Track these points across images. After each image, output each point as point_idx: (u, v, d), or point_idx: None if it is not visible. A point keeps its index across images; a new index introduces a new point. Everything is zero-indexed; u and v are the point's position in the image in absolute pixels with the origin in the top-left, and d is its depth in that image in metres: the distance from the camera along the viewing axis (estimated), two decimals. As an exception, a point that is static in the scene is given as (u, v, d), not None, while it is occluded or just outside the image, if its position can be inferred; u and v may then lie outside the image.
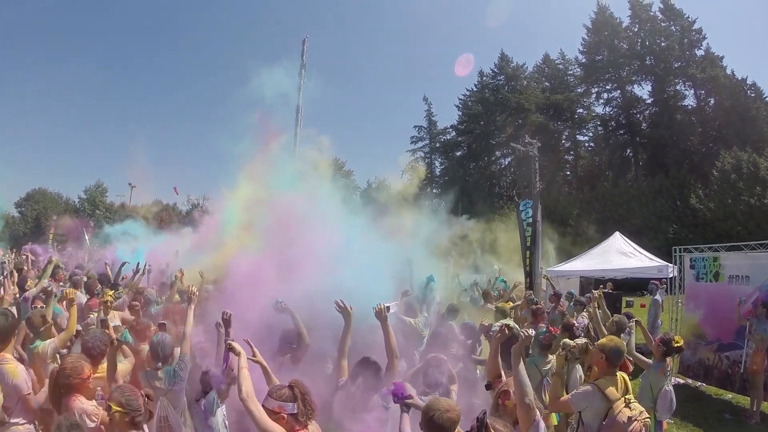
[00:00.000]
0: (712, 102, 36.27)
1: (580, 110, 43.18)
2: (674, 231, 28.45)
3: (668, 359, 4.95)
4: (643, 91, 40.07)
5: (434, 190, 45.35)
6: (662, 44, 37.57)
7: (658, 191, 32.18)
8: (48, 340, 4.32)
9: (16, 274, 7.78)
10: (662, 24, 38.35)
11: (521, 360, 2.95)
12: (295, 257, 5.02)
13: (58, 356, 4.30)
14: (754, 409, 7.18)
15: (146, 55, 76.21)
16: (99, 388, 3.33)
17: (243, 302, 4.46)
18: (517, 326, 5.36)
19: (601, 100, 42.15)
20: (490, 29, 75.82)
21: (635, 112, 40.15)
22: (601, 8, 41.22)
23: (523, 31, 71.64)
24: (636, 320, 5.76)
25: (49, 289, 5.48)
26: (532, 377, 3.68)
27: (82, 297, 6.43)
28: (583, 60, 42.36)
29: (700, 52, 36.87)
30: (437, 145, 50.23)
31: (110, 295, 5.64)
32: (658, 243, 23.71)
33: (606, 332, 5.28)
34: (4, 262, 9.58)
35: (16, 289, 6.96)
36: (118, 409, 2.62)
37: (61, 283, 7.60)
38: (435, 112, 50.80)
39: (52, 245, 21.84)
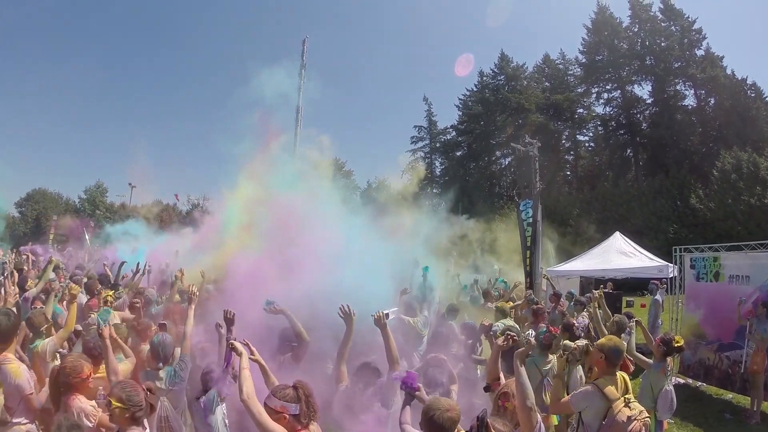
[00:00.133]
0: (712, 102, 36.28)
1: (581, 110, 43.19)
2: (674, 231, 28.45)
3: (669, 359, 4.96)
4: (643, 91, 40.17)
5: (434, 190, 45.37)
6: (662, 44, 37.58)
7: (658, 191, 32.19)
8: (47, 339, 4.32)
9: (16, 274, 7.79)
10: (662, 24, 38.35)
11: (523, 364, 2.96)
12: (295, 257, 5.02)
13: (58, 355, 4.30)
14: (755, 409, 7.17)
15: (146, 55, 76.27)
16: (101, 388, 3.33)
17: (243, 302, 4.46)
18: (520, 331, 5.37)
19: (601, 100, 42.23)
20: (490, 29, 75.85)
21: (635, 112, 40.16)
22: (601, 8, 41.24)
23: (523, 31, 71.75)
24: (636, 320, 5.76)
25: (54, 282, 5.47)
26: (532, 377, 3.70)
27: (82, 297, 6.43)
28: (583, 60, 42.37)
29: (700, 52, 36.90)
30: (437, 145, 50.23)
31: (110, 295, 5.65)
32: (659, 243, 23.71)
33: (606, 332, 5.28)
34: (5, 263, 9.56)
35: (17, 289, 6.96)
36: (118, 404, 2.61)
37: (60, 283, 7.60)
38: (435, 112, 50.93)
39: (52, 245, 21.83)
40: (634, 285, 17.36)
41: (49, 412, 3.29)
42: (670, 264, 10.70)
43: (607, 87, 41.58)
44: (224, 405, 3.45)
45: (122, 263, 9.09)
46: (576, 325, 5.81)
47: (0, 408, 3.51)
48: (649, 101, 39.57)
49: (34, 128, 73.51)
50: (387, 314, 3.56)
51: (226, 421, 3.42)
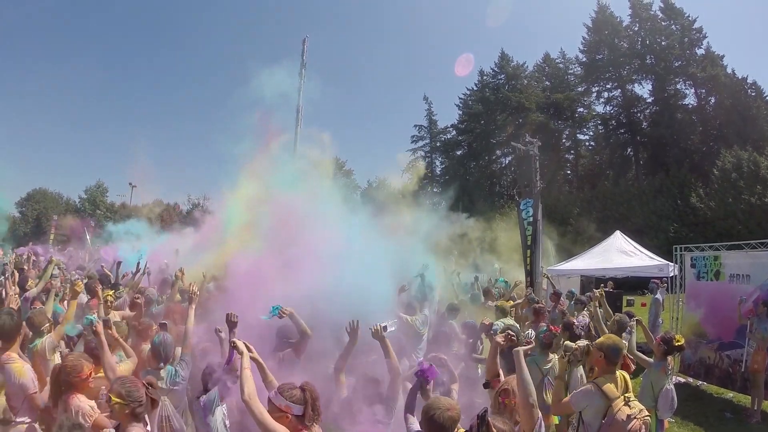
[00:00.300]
0: (713, 101, 36.27)
1: (581, 109, 43.18)
2: (675, 230, 28.45)
3: (669, 358, 4.95)
4: (643, 90, 40.21)
5: (435, 189, 45.36)
6: (662, 43, 37.58)
7: (658, 190, 32.19)
8: (45, 336, 4.32)
9: (17, 274, 7.78)
10: (662, 23, 38.34)
11: (524, 362, 2.96)
12: (295, 256, 5.02)
13: (59, 352, 4.31)
14: (755, 408, 7.17)
15: (146, 55, 76.32)
16: (103, 388, 3.33)
17: (243, 301, 4.46)
18: (520, 331, 5.37)
19: (602, 99, 42.29)
20: (491, 29, 75.83)
21: (636, 111, 40.15)
22: (602, 7, 41.23)
23: (524, 30, 71.76)
24: (637, 319, 5.76)
25: (54, 281, 5.47)
26: (533, 377, 3.68)
27: (82, 297, 6.43)
28: (584, 59, 42.37)
29: (700, 51, 36.91)
30: (438, 144, 50.25)
31: (110, 295, 5.65)
32: (659, 242, 23.71)
33: (607, 331, 5.28)
34: (6, 264, 9.56)
35: (17, 289, 6.95)
36: (118, 400, 2.60)
37: (61, 283, 7.59)
38: (435, 112, 51.01)
39: (52, 245, 21.86)
40: (634, 284, 17.37)
41: (49, 411, 3.29)
42: (670, 263, 10.70)
43: (608, 86, 41.62)
44: (224, 406, 3.44)
45: (118, 263, 9.09)
46: (576, 323, 5.80)
47: (3, 407, 3.52)
48: (649, 100, 39.61)
49: (34, 128, 73.69)
50: (385, 326, 3.49)
51: (227, 422, 3.41)
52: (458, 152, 48.66)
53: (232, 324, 3.71)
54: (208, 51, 79.89)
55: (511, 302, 8.09)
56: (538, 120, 41.35)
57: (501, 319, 6.13)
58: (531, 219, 13.51)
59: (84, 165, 75.14)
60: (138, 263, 8.31)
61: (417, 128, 50.97)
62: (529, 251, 13.40)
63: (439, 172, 49.82)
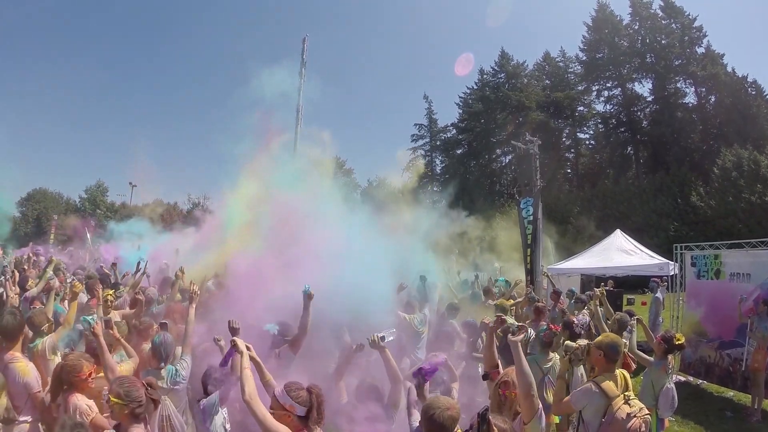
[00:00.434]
0: (713, 99, 36.26)
1: (581, 108, 43.16)
2: (675, 229, 28.43)
3: (670, 357, 4.95)
4: (643, 88, 40.19)
5: (435, 188, 45.36)
6: (663, 42, 37.53)
7: (658, 189, 32.17)
8: (45, 337, 4.32)
9: (17, 274, 7.78)
10: (663, 21, 38.30)
11: (522, 353, 2.94)
12: (295, 256, 5.02)
13: (58, 352, 4.31)
14: (756, 407, 7.17)
15: (146, 55, 76.19)
16: (105, 388, 3.33)
17: (243, 301, 4.46)
18: (513, 320, 5.36)
19: (602, 98, 42.28)
20: (491, 28, 75.79)
21: (636, 109, 40.13)
22: (602, 6, 41.18)
23: (524, 29, 71.74)
24: (637, 318, 5.75)
25: (53, 281, 5.47)
26: (533, 376, 3.69)
27: (83, 296, 6.42)
28: (584, 58, 42.33)
29: (700, 50, 36.86)
30: (438, 143, 50.23)
31: (110, 294, 5.64)
32: (659, 241, 23.68)
33: (608, 330, 5.27)
34: (6, 266, 9.57)
35: (17, 289, 6.95)
36: (117, 400, 2.59)
37: (61, 283, 7.59)
38: (435, 110, 50.97)
39: (53, 245, 21.87)
40: (634, 283, 17.35)
41: (49, 410, 3.30)
42: (670, 262, 10.69)
43: (608, 85, 41.58)
44: (225, 410, 3.43)
45: (113, 264, 9.11)
46: (576, 322, 5.80)
47: (7, 406, 3.52)
48: (649, 99, 39.58)
49: (34, 128, 73.50)
50: (383, 336, 3.46)
51: (227, 426, 3.39)
52: (458, 151, 48.64)
53: (234, 331, 3.68)
54: (208, 51, 79.97)
55: (512, 301, 8.09)
56: (539, 119, 41.31)
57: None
58: (531, 218, 13.51)
59: (84, 165, 75.16)
60: (138, 263, 8.32)
61: (417, 127, 51.06)
62: (529, 250, 13.40)
63: (439, 171, 49.85)
